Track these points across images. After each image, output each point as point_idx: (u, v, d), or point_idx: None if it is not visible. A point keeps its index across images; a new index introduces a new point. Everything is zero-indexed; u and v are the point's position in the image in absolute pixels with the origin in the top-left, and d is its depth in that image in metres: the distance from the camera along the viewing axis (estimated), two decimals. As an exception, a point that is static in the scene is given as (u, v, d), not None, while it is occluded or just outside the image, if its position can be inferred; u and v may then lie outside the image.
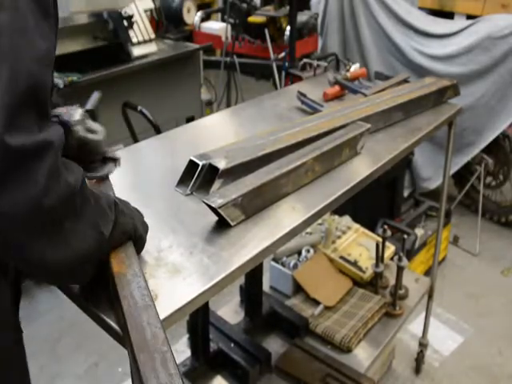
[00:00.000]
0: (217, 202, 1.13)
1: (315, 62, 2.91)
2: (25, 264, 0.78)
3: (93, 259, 0.87)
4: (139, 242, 1.01)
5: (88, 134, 1.12)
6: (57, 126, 0.76)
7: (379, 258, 2.18)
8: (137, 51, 2.91)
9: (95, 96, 1.38)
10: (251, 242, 1.13)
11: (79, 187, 0.78)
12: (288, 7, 3.34)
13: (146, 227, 1.04)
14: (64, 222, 0.77)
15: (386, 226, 2.23)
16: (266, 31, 3.51)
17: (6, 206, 0.67)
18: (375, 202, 2.89)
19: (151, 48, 3.00)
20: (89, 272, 0.89)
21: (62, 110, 1.10)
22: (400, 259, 2.09)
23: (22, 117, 0.68)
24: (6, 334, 0.94)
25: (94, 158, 1.16)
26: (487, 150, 3.28)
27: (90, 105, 1.34)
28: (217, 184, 1.24)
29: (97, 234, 0.85)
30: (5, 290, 0.93)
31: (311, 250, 2.30)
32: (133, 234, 0.98)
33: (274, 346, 2.01)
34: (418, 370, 2.45)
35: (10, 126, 0.66)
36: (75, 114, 1.10)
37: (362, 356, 1.96)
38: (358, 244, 2.36)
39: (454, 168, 3.29)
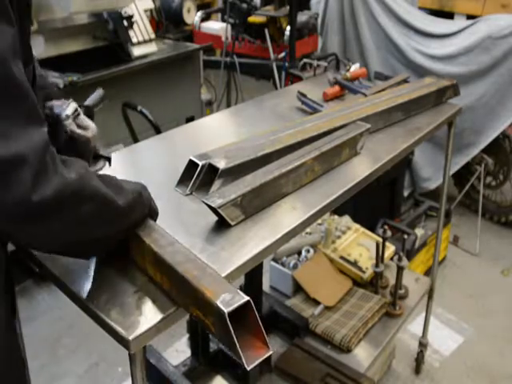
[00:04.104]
0: (216, 201, 1.14)
1: (315, 62, 2.92)
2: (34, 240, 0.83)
3: (109, 238, 0.95)
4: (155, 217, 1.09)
5: (78, 129, 1.13)
6: (37, 129, 0.76)
7: (379, 258, 2.18)
8: (137, 51, 2.91)
9: (98, 93, 1.37)
10: (251, 241, 1.13)
11: (83, 179, 0.82)
12: (288, 7, 3.34)
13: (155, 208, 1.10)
14: (77, 208, 0.81)
15: (386, 226, 2.23)
16: (266, 31, 3.51)
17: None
18: (375, 202, 2.89)
19: (151, 48, 3.00)
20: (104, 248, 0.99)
21: (56, 103, 1.12)
22: (400, 259, 2.09)
23: None
24: None
25: (84, 155, 1.17)
26: (487, 150, 3.28)
27: (88, 101, 1.32)
28: (217, 184, 1.24)
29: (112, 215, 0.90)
30: None
31: (311, 250, 2.30)
32: (151, 212, 1.06)
33: (274, 346, 2.01)
34: (418, 370, 2.45)
35: None
36: (68, 108, 1.12)
37: (362, 356, 1.96)
38: (358, 244, 2.36)
39: (454, 168, 3.29)
